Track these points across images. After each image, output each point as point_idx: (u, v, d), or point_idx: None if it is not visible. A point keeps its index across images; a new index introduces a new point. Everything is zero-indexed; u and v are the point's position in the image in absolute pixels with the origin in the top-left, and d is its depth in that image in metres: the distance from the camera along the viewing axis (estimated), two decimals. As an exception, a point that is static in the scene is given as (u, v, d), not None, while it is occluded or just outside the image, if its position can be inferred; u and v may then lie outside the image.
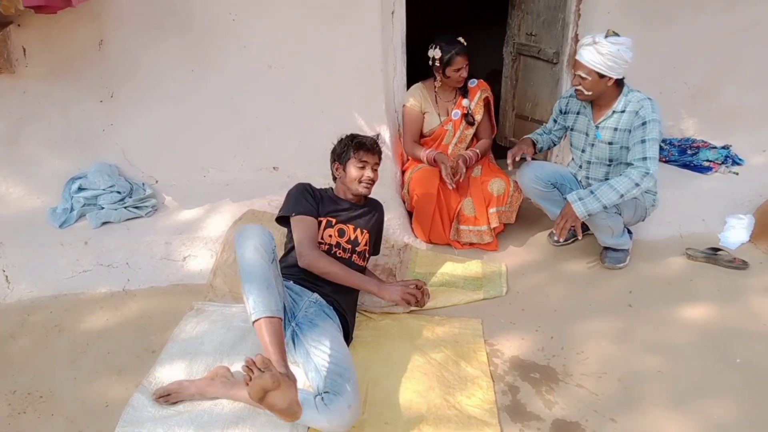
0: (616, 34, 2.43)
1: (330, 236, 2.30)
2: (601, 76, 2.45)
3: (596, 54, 2.41)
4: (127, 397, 1.98)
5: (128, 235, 2.74)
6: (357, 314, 2.38)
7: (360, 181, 2.36)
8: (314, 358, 1.90)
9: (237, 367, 2.03)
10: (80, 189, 2.91)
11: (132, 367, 2.16)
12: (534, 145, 2.88)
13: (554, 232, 2.86)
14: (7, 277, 2.60)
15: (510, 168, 2.81)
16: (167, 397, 1.91)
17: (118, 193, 2.89)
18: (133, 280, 2.66)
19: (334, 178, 2.51)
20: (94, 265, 2.66)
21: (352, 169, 2.36)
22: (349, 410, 1.72)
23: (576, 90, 2.56)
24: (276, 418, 1.74)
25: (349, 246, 2.33)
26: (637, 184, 2.45)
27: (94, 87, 2.97)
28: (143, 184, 3.06)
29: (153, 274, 2.68)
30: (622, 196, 2.47)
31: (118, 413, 1.91)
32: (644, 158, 2.46)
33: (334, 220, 2.33)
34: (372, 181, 2.39)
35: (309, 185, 2.41)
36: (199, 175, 3.21)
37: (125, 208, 2.85)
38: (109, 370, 2.15)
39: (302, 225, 2.24)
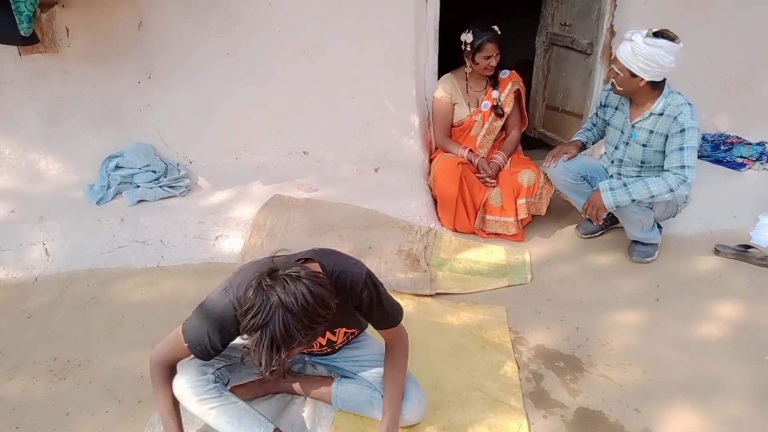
0: (662, 36, 2.30)
1: None
2: (633, 75, 2.39)
3: (630, 53, 2.34)
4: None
5: (163, 213, 2.81)
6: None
7: None
8: (363, 374, 1.84)
9: None
10: (117, 167, 2.99)
11: (165, 340, 2.23)
12: (583, 146, 2.82)
13: (586, 220, 2.84)
14: (46, 250, 2.70)
15: (547, 165, 2.79)
16: None
17: (154, 172, 2.97)
18: (167, 257, 2.74)
19: None
20: (130, 241, 2.74)
21: None
22: (420, 404, 1.78)
23: (611, 82, 2.53)
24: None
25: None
26: (671, 190, 2.41)
27: (132, 68, 3.04)
28: (178, 164, 3.13)
29: (186, 251, 2.75)
30: (653, 196, 2.44)
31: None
32: (683, 166, 2.41)
33: None
34: None
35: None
36: (231, 158, 3.27)
37: (160, 187, 2.92)
38: (143, 342, 2.22)
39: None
